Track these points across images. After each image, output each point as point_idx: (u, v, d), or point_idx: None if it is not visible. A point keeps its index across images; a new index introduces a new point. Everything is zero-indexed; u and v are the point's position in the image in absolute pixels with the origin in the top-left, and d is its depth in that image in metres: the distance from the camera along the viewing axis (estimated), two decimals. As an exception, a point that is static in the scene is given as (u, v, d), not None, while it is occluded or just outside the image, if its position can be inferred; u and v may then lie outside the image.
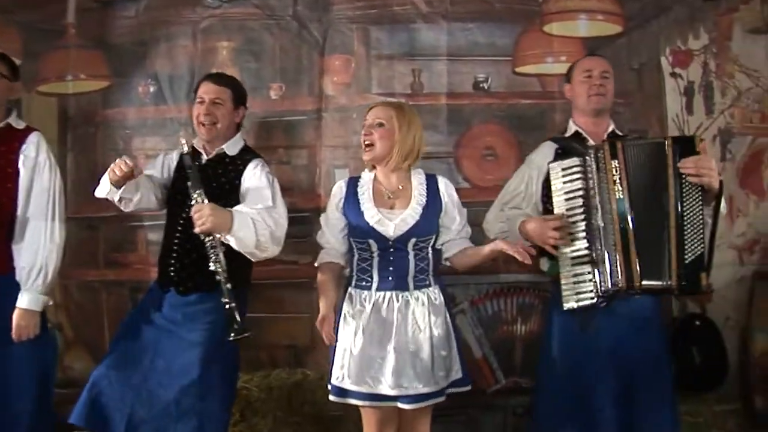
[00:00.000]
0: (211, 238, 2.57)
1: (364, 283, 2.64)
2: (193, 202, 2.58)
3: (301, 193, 3.49)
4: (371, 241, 2.57)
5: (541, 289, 3.41)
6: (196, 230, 2.55)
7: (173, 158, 2.85)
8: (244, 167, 2.79)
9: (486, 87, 3.58)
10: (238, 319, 2.56)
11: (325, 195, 3.32)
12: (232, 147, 2.82)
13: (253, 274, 3.23)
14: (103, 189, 2.74)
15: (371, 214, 2.56)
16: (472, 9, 3.53)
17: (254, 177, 2.76)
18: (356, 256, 2.64)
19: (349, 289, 2.66)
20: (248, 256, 2.65)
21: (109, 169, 2.62)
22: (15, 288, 2.66)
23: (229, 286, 2.55)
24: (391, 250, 2.57)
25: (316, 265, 2.73)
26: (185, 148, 2.68)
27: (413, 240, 2.57)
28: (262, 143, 3.43)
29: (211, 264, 2.59)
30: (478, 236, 2.84)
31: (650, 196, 2.51)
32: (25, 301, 2.67)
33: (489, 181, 3.51)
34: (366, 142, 2.61)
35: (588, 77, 2.71)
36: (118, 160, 2.61)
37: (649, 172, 2.52)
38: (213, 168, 2.78)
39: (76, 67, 3.56)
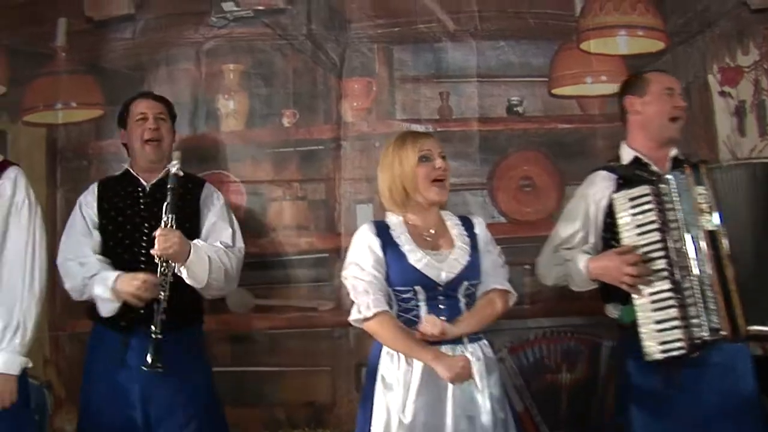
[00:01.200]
0: (164, 265, 2.55)
1: None
2: (162, 224, 2.57)
3: (319, 232, 3.30)
4: (418, 288, 2.35)
5: (588, 333, 3.24)
6: (156, 252, 2.53)
7: (88, 199, 2.84)
8: (198, 192, 2.83)
9: (521, 111, 3.40)
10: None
11: (346, 234, 3.17)
12: (176, 168, 2.69)
13: (267, 323, 3.18)
14: (110, 308, 2.69)
15: (417, 257, 2.36)
16: (503, 26, 3.36)
17: (215, 209, 2.81)
18: (396, 308, 2.41)
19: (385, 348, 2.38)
20: (198, 290, 2.67)
21: (135, 288, 2.58)
22: None
23: (163, 317, 2.53)
24: (441, 297, 2.37)
25: (369, 315, 2.43)
26: (175, 167, 2.66)
27: (465, 284, 2.39)
28: (274, 176, 3.32)
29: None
30: (517, 276, 2.75)
31: (751, 226, 2.30)
32: (4, 363, 2.42)
33: (527, 214, 3.34)
34: (441, 177, 2.44)
35: (670, 95, 2.45)
36: (150, 278, 2.58)
37: (746, 199, 2.32)
38: (163, 192, 2.67)
39: (67, 94, 3.39)
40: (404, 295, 2.38)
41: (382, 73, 3.36)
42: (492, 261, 2.46)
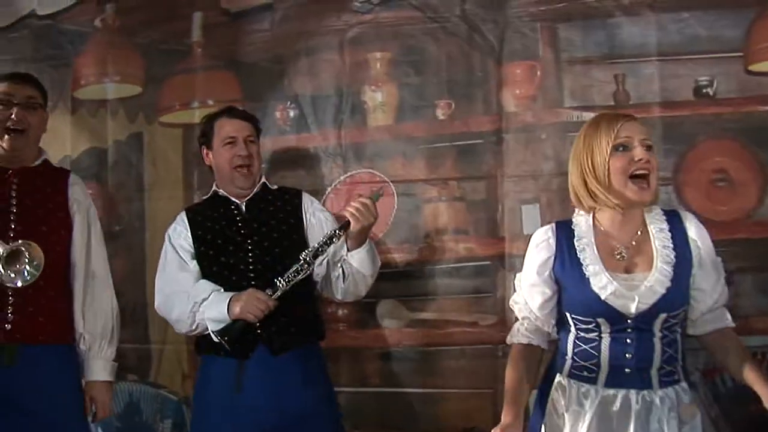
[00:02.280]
0: (307, 256, 2.49)
1: (585, 374, 2.11)
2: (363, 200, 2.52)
3: (479, 237, 3.07)
4: (601, 321, 2.07)
5: (801, 355, 2.77)
6: (354, 224, 2.49)
7: (178, 230, 2.74)
8: (297, 202, 2.76)
9: (711, 93, 3.01)
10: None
11: (510, 239, 2.98)
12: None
13: (422, 339, 3.01)
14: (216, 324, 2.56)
15: (602, 283, 2.04)
16: (686, -6, 2.95)
17: (323, 219, 2.74)
18: (573, 334, 2.14)
19: (558, 377, 2.15)
20: (354, 287, 2.62)
21: (250, 305, 2.47)
22: (74, 363, 2.56)
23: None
24: (629, 330, 2.06)
25: (507, 342, 2.28)
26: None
27: (662, 316, 2.06)
28: (428, 174, 3.11)
29: (279, 279, 2.48)
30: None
31: None
32: (100, 371, 2.57)
33: (722, 213, 2.94)
34: (641, 172, 2.08)
35: None
36: (264, 297, 2.48)
37: None
38: (259, 205, 2.70)
39: (204, 91, 3.36)
40: (584, 325, 2.10)
41: (546, 55, 3.08)
42: (714, 280, 2.11)
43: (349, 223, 2.48)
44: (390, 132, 3.16)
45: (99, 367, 2.57)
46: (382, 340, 3.09)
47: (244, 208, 2.69)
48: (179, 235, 2.69)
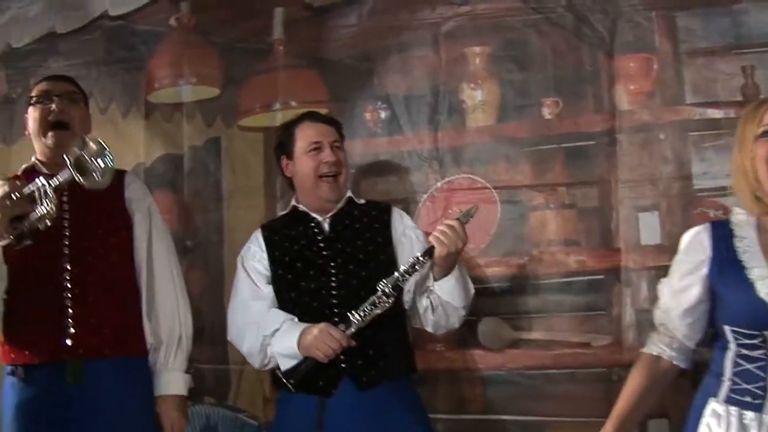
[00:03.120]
0: (386, 287, 2.27)
1: (748, 399, 1.90)
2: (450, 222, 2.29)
3: (592, 248, 2.87)
4: None
5: None
6: (440, 250, 2.25)
7: (252, 251, 2.57)
8: (384, 216, 2.56)
9: None
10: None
11: (626, 250, 2.80)
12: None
13: (528, 362, 2.86)
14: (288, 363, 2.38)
15: None
16: (826, -30, 2.77)
17: (408, 232, 2.53)
18: (732, 352, 1.95)
19: (712, 402, 1.95)
20: (444, 320, 2.40)
21: (321, 342, 2.26)
22: (146, 378, 2.45)
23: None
24: None
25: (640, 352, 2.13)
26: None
27: None
28: (534, 179, 2.93)
29: (354, 313, 2.27)
30: None
31: None
32: (168, 383, 2.44)
33: None
34: None
35: None
36: (338, 335, 2.27)
37: None
38: (344, 222, 2.54)
39: (286, 92, 3.24)
40: (746, 340, 1.91)
41: (663, 46, 2.87)
42: None
43: (433, 248, 2.27)
44: (491, 133, 3.00)
45: (167, 380, 2.44)
46: (483, 361, 2.92)
47: (327, 226, 2.53)
48: (253, 256, 2.54)
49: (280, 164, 2.63)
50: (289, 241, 2.51)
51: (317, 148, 2.52)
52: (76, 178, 2.11)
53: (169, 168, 3.42)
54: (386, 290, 2.26)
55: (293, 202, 2.60)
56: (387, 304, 2.26)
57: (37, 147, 2.50)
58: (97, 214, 2.43)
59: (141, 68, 3.48)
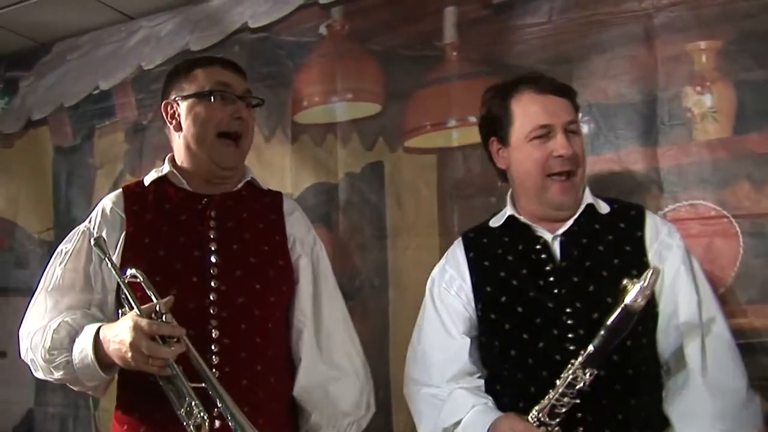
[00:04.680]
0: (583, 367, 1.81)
1: None
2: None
3: None
4: None
5: None
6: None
7: (449, 276, 2.14)
8: (636, 222, 2.04)
9: None
10: None
11: None
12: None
13: None
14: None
15: None
16: None
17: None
18: None
19: None
20: None
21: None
22: None
23: None
24: None
25: None
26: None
27: None
28: None
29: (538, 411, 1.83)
30: None
31: None
32: None
33: None
34: None
35: None
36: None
37: None
38: (592, 236, 2.05)
39: (463, 106, 2.89)
40: None
41: None
42: None
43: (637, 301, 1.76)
44: (727, 148, 2.54)
45: None
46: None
47: (557, 247, 2.02)
48: (450, 284, 2.11)
49: (487, 147, 2.17)
50: (504, 268, 2.04)
51: (544, 135, 2.02)
52: None
53: (321, 200, 3.13)
54: (578, 374, 1.80)
55: (509, 208, 2.14)
56: (577, 389, 1.81)
57: (185, 152, 2.15)
58: (252, 258, 2.09)
59: (287, 85, 3.26)
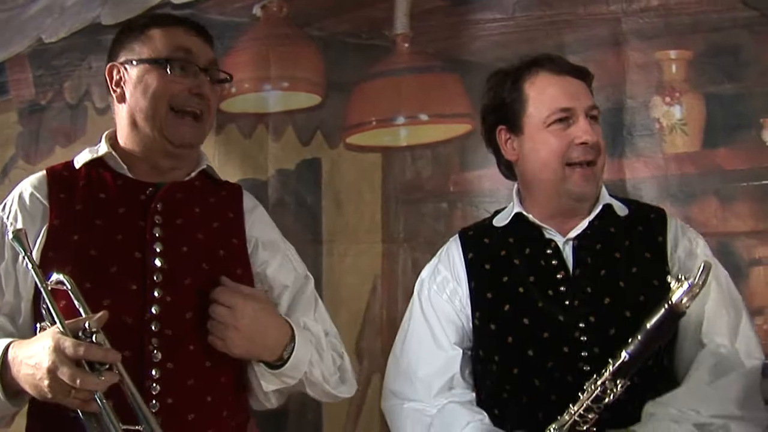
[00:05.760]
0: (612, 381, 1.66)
1: None
2: None
3: None
4: None
5: None
6: None
7: (441, 278, 2.00)
8: (657, 227, 1.93)
9: None
10: None
11: None
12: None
13: None
14: None
15: None
16: None
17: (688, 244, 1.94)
18: None
19: None
20: None
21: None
22: None
23: None
24: None
25: None
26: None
27: None
28: (755, 225, 2.47)
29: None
30: None
31: None
32: None
33: None
34: None
35: None
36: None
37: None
38: (607, 240, 1.93)
39: (414, 102, 2.83)
40: None
41: None
42: None
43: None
44: (695, 162, 2.55)
45: None
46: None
47: (569, 252, 1.88)
48: (443, 287, 1.94)
49: (492, 136, 1.99)
50: (508, 273, 1.89)
51: (566, 118, 1.86)
52: None
53: (248, 198, 2.93)
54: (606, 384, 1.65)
55: (516, 205, 1.97)
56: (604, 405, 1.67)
57: (128, 129, 1.83)
58: (210, 262, 1.81)
59: (213, 69, 3.03)
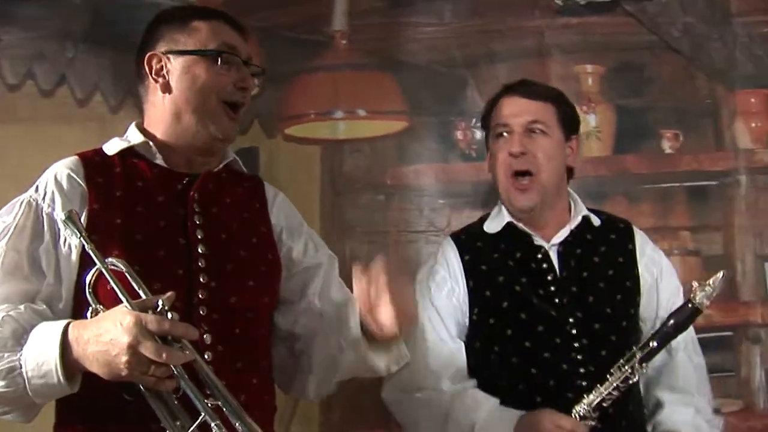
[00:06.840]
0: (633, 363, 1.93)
1: None
2: None
3: (718, 302, 2.61)
4: None
5: None
6: None
7: (439, 279, 2.14)
8: (625, 238, 2.22)
9: None
10: None
11: (753, 303, 2.81)
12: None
13: None
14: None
15: None
16: None
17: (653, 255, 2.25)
18: None
19: None
20: None
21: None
22: None
23: None
24: None
25: None
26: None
27: None
28: (656, 222, 2.85)
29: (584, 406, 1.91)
30: None
31: None
32: None
33: None
34: None
35: None
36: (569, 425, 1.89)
37: None
38: (586, 247, 2.17)
39: (351, 97, 2.94)
40: None
41: (785, 82, 3.08)
42: None
43: (696, 311, 1.95)
44: (608, 166, 2.93)
45: None
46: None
47: (555, 255, 2.11)
48: (442, 285, 2.10)
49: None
50: (504, 274, 2.09)
51: (502, 134, 2.11)
52: None
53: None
54: (633, 366, 1.92)
55: (506, 214, 2.15)
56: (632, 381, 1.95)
57: (171, 119, 1.80)
58: (241, 251, 1.83)
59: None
